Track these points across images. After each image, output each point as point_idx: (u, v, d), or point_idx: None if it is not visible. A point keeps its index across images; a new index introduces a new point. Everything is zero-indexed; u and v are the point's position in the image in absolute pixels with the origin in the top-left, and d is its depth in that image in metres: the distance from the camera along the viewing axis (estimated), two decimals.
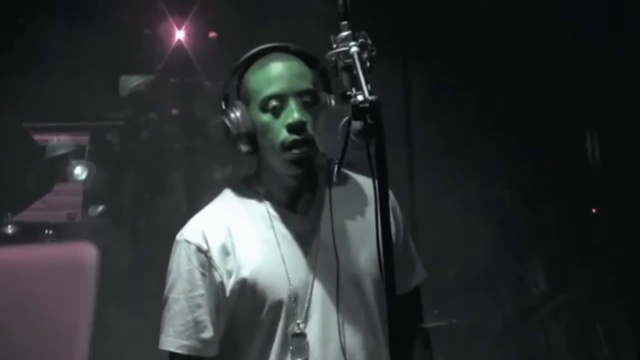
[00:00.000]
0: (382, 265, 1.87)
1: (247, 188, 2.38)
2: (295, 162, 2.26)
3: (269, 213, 2.33)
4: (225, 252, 2.28)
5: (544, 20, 4.55)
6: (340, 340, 2.28)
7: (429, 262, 4.22)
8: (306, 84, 2.29)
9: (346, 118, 1.93)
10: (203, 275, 2.28)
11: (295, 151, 2.25)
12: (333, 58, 1.98)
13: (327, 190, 2.33)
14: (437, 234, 4.43)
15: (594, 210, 4.76)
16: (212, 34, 4.49)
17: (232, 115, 2.29)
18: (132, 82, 4.45)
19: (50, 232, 4.35)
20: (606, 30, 4.54)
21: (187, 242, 2.30)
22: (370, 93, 1.85)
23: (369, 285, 2.35)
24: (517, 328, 4.65)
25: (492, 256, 4.57)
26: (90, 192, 4.43)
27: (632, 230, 4.52)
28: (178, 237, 2.33)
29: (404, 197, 4.37)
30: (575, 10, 4.47)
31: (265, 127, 2.27)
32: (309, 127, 2.25)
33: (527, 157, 4.59)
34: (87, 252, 3.27)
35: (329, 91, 2.35)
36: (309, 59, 2.34)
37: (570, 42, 4.54)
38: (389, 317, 1.88)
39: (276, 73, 2.27)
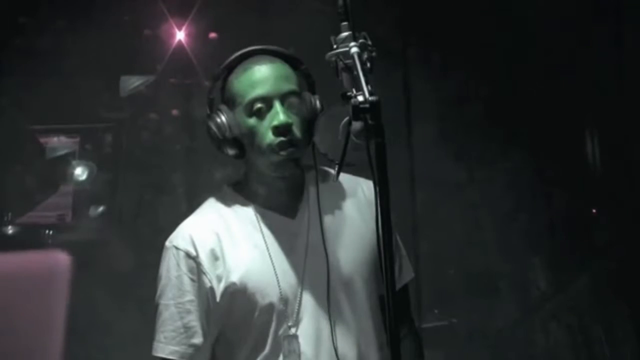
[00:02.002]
0: (383, 264, 1.87)
1: (235, 192, 2.38)
2: (282, 163, 2.27)
3: (257, 216, 2.33)
4: (215, 257, 2.28)
5: (544, 19, 4.55)
6: (333, 341, 2.29)
7: (430, 262, 4.26)
8: (290, 86, 2.29)
9: (347, 119, 1.93)
10: (192, 281, 2.28)
11: (282, 153, 2.25)
12: (333, 59, 1.98)
13: (314, 192, 2.33)
14: (437, 235, 4.44)
15: (594, 211, 4.76)
16: (212, 35, 4.49)
17: (218, 120, 2.29)
18: (132, 82, 4.45)
19: (50, 232, 4.35)
20: (606, 29, 4.54)
21: (176, 248, 2.30)
22: (371, 93, 1.85)
23: (358, 285, 2.35)
24: (518, 328, 4.65)
25: (492, 256, 4.58)
26: (91, 193, 4.43)
27: (633, 231, 4.52)
28: (167, 243, 2.34)
29: (405, 197, 4.42)
30: (576, 9, 4.47)
31: (251, 130, 2.27)
32: (294, 129, 2.26)
33: (528, 157, 4.59)
34: (60, 261, 3.28)
35: (313, 92, 2.35)
36: (292, 61, 2.34)
37: (570, 41, 4.54)
38: (388, 317, 1.88)
39: (260, 76, 2.27)
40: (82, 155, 4.40)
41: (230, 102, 2.32)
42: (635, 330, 4.54)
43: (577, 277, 4.63)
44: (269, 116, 2.26)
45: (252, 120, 2.27)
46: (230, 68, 2.33)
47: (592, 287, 4.60)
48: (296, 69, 2.34)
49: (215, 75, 2.35)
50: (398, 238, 2.49)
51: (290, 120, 2.25)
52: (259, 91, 2.26)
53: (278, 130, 2.24)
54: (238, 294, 2.26)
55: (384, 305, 1.91)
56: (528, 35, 4.54)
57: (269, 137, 2.25)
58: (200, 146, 4.43)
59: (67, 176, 4.37)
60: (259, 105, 2.26)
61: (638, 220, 4.51)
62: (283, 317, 2.27)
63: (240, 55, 2.33)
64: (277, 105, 2.25)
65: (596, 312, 4.57)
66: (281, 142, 2.24)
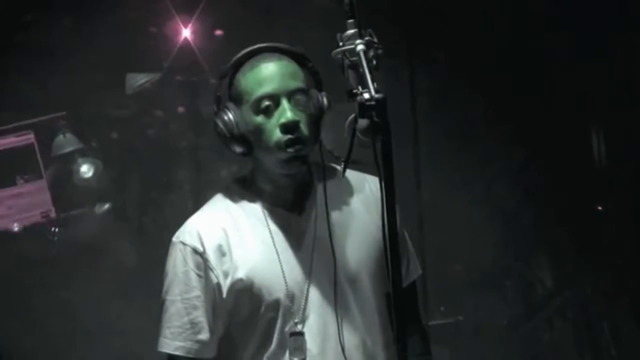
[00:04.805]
0: (389, 262, 1.87)
1: (242, 188, 2.38)
2: (290, 161, 2.26)
3: (264, 213, 2.33)
4: (221, 253, 2.28)
5: (548, 17, 4.55)
6: (339, 339, 2.29)
7: (435, 259, 4.26)
8: (297, 83, 2.28)
9: (352, 116, 1.93)
10: (199, 276, 2.28)
11: (290, 150, 2.24)
12: (339, 56, 1.98)
13: (321, 188, 2.33)
14: (443, 232, 4.44)
15: (600, 208, 4.75)
16: (218, 32, 4.50)
17: (225, 117, 2.29)
18: (138, 80, 4.45)
19: (57, 230, 4.35)
20: (608, 29, 4.53)
21: (183, 244, 2.30)
22: (377, 91, 1.85)
23: (365, 281, 2.35)
24: (523, 326, 4.65)
25: (498, 254, 4.58)
26: (97, 190, 4.43)
27: (638, 228, 4.52)
28: (174, 239, 2.34)
29: (410, 194, 4.42)
30: (579, 8, 4.47)
31: (259, 128, 2.26)
32: (302, 126, 2.25)
33: (533, 155, 4.59)
34: None
35: (320, 89, 2.34)
36: (300, 58, 2.34)
37: (574, 40, 4.54)
38: (394, 314, 1.89)
39: (267, 73, 2.27)
40: (88, 153, 4.40)
41: (237, 99, 2.31)
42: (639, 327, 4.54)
43: (582, 273, 4.62)
44: (276, 114, 2.25)
45: (260, 118, 2.26)
46: (238, 65, 2.32)
47: (598, 284, 4.60)
48: (303, 66, 2.33)
49: (223, 72, 2.34)
50: (406, 235, 2.49)
51: (297, 118, 2.24)
52: (266, 89, 2.25)
53: (285, 127, 2.24)
54: (244, 290, 2.26)
55: (390, 302, 1.91)
56: (533, 33, 4.54)
57: (277, 135, 2.24)
58: (206, 143, 4.44)
59: (73, 173, 4.37)
60: (266, 102, 2.25)
61: None
62: (289, 313, 2.27)
63: (248, 53, 2.32)
64: (285, 103, 2.25)
65: (601, 308, 4.57)
66: (289, 139, 2.24)
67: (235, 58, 2.33)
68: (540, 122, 4.56)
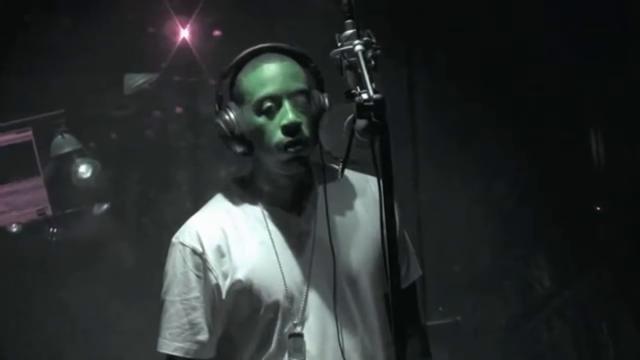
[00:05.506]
0: (387, 263, 1.87)
1: (241, 189, 2.37)
2: (290, 162, 2.26)
3: (263, 214, 2.33)
4: (221, 254, 2.28)
5: (548, 18, 4.55)
6: (339, 340, 2.28)
7: (434, 259, 4.26)
8: (299, 84, 2.27)
9: (351, 116, 1.93)
10: (198, 277, 2.28)
11: (290, 151, 2.24)
12: (337, 56, 1.98)
13: (321, 189, 2.32)
14: (441, 232, 4.44)
15: (598, 208, 4.75)
16: (217, 33, 4.50)
17: (226, 117, 2.28)
18: (136, 80, 4.45)
19: (55, 230, 4.35)
20: (608, 29, 4.53)
21: (182, 244, 2.30)
22: (375, 91, 1.85)
23: (365, 282, 2.34)
24: (522, 326, 4.65)
25: (496, 254, 4.58)
26: (95, 190, 4.43)
27: (636, 228, 4.52)
28: (173, 239, 2.33)
29: (409, 195, 4.42)
30: (579, 8, 4.47)
31: (260, 129, 2.26)
32: (303, 128, 2.24)
33: (532, 155, 4.58)
34: None
35: (321, 90, 2.34)
36: (301, 58, 2.33)
37: (574, 39, 4.54)
38: (393, 315, 1.89)
39: (269, 74, 2.26)
40: (87, 153, 4.40)
41: (238, 99, 2.30)
42: (638, 327, 4.53)
43: (581, 274, 4.62)
44: (278, 115, 2.24)
45: (261, 119, 2.26)
46: (239, 65, 2.31)
47: (596, 284, 4.60)
48: (305, 66, 2.32)
49: (224, 72, 2.33)
50: (406, 236, 2.49)
51: (299, 120, 2.24)
52: (268, 89, 2.24)
53: (287, 129, 2.23)
54: (244, 291, 2.26)
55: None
56: (532, 34, 4.53)
57: (278, 136, 2.24)
58: (205, 144, 4.44)
59: (72, 173, 4.36)
60: (268, 103, 2.25)
61: None
62: (289, 315, 2.27)
63: (250, 53, 2.31)
64: (286, 104, 2.24)
65: (600, 308, 4.57)
66: (289, 141, 2.23)
67: (237, 58, 2.32)
68: (540, 122, 4.56)
